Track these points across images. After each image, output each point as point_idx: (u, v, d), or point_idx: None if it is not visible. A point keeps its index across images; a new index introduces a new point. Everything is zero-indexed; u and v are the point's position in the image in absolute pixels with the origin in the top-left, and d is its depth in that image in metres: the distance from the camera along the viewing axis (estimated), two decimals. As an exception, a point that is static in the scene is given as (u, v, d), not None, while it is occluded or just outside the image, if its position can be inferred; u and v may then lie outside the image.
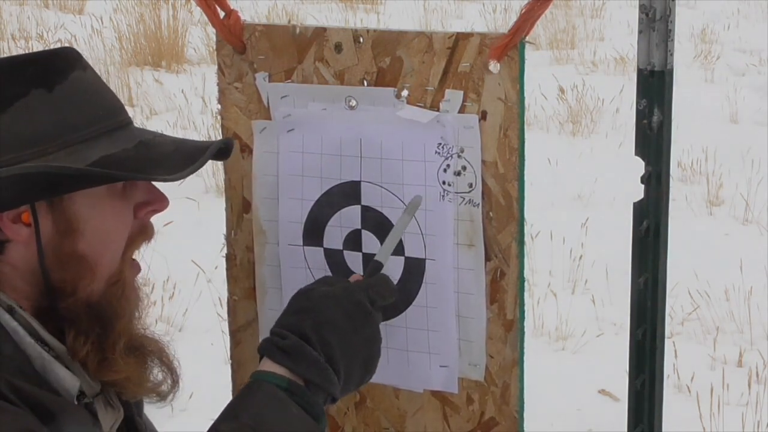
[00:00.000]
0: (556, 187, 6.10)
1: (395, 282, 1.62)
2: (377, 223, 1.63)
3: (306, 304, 1.49)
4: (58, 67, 1.42)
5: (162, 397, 1.52)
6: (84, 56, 1.50)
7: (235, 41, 1.66)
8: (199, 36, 8.87)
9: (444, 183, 1.58)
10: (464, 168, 1.56)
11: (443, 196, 1.58)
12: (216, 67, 1.70)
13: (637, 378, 1.65)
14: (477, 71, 1.53)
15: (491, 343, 1.61)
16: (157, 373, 1.51)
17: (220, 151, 1.50)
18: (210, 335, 4.26)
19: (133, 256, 1.49)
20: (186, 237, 5.09)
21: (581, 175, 6.32)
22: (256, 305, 1.74)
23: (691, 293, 4.69)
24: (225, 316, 1.79)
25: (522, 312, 1.60)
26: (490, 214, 1.57)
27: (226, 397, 1.84)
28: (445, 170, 1.57)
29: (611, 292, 4.75)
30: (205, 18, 1.70)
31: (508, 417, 1.63)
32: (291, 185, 1.67)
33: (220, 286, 4.12)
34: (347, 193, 1.64)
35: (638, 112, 1.57)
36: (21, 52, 8.25)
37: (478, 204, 1.57)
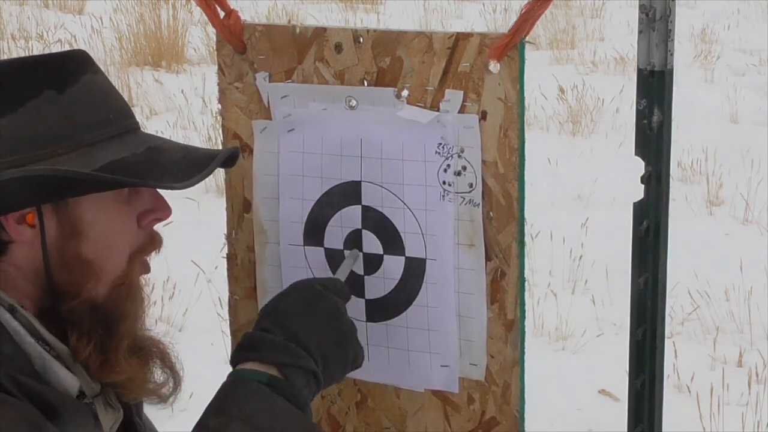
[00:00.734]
0: (556, 187, 6.10)
1: (396, 282, 1.62)
2: (378, 223, 1.63)
3: (263, 311, 1.53)
4: (70, 69, 1.42)
5: (163, 399, 1.52)
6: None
7: (235, 41, 1.66)
8: (199, 36, 8.88)
9: (444, 183, 1.58)
10: (464, 168, 1.56)
11: (443, 196, 1.58)
12: (216, 67, 1.70)
13: (637, 378, 1.65)
14: (477, 71, 1.53)
15: (492, 342, 1.62)
16: (159, 375, 1.51)
17: (227, 159, 1.50)
18: (210, 335, 4.26)
19: (143, 260, 1.50)
20: (186, 237, 5.08)
21: (581, 175, 6.32)
22: (256, 305, 1.74)
23: (691, 293, 4.69)
24: (225, 316, 1.79)
25: (522, 312, 1.60)
26: (491, 214, 1.57)
27: (226, 397, 1.84)
28: (445, 170, 1.58)
29: (611, 292, 4.75)
30: (205, 18, 1.70)
31: (509, 416, 1.63)
32: (291, 185, 1.67)
33: (220, 286, 4.12)
34: (348, 193, 1.64)
35: (638, 112, 1.57)
36: (21, 52, 8.27)
37: (479, 204, 1.57)
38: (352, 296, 1.64)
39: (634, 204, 1.60)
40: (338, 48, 1.61)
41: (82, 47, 8.32)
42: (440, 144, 1.57)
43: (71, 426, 1.35)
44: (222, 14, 1.65)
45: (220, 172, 1.75)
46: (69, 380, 1.39)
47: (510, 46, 1.50)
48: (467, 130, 1.55)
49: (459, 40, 1.54)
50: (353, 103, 1.61)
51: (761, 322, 4.64)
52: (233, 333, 1.78)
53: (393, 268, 1.62)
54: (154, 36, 8.71)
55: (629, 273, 1.63)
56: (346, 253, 1.64)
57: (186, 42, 8.83)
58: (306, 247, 1.68)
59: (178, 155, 1.45)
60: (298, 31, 1.63)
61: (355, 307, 1.64)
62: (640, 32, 1.53)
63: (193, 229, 5.27)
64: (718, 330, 4.59)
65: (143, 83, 7.95)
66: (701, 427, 3.80)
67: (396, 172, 1.60)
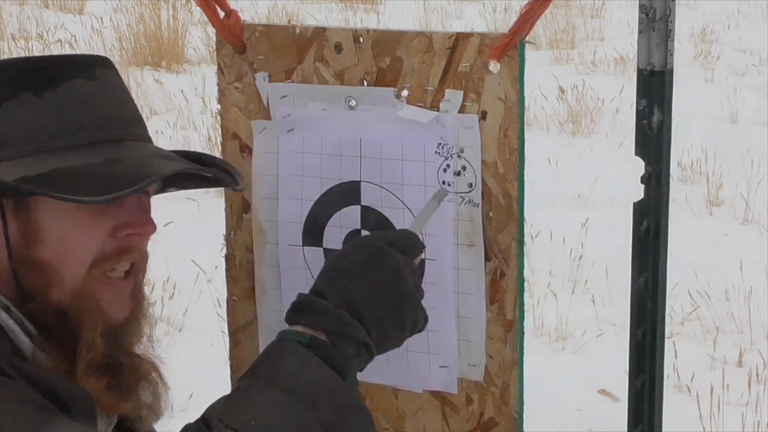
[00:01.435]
0: (556, 187, 6.10)
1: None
2: (377, 223, 1.63)
3: (326, 266, 1.47)
4: (54, 73, 1.42)
5: (144, 418, 1.52)
6: (113, 65, 1.49)
7: (235, 41, 1.66)
8: (199, 36, 8.87)
9: (444, 183, 1.58)
10: (464, 168, 1.56)
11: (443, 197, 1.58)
12: (216, 67, 1.70)
13: (637, 378, 1.65)
14: (477, 71, 1.53)
15: (491, 343, 1.61)
16: (135, 397, 1.49)
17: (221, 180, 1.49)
18: (210, 335, 4.26)
19: (108, 272, 1.45)
20: (186, 237, 5.09)
21: (581, 175, 6.32)
22: (255, 305, 1.74)
23: (691, 293, 4.69)
24: (225, 316, 1.79)
25: (522, 312, 1.60)
26: (490, 214, 1.57)
27: (225, 397, 1.84)
28: (445, 170, 1.57)
29: (611, 292, 4.75)
30: (205, 18, 1.70)
31: (508, 417, 1.63)
32: (291, 185, 1.67)
33: (220, 286, 4.11)
34: (347, 193, 1.64)
35: (638, 112, 1.57)
36: (21, 52, 8.27)
37: (478, 204, 1.57)
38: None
39: (634, 204, 1.60)
40: (338, 48, 1.61)
41: (82, 47, 8.36)
42: (440, 144, 1.57)
43: (76, 411, 1.35)
44: (222, 14, 1.65)
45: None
46: None
47: (510, 46, 1.50)
48: (467, 130, 1.55)
49: (459, 40, 1.54)
50: (353, 103, 1.61)
51: (761, 322, 4.64)
52: (232, 333, 1.78)
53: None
54: (154, 36, 8.71)
55: (629, 273, 1.63)
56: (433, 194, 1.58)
57: (186, 42, 8.83)
58: (305, 247, 1.68)
59: (122, 170, 1.41)
60: (298, 31, 1.63)
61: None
62: (640, 32, 1.53)
63: (193, 229, 5.27)
64: (718, 330, 4.59)
65: (143, 83, 7.95)
66: (701, 427, 3.80)
67: (395, 172, 1.60)
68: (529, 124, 6.98)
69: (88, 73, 1.45)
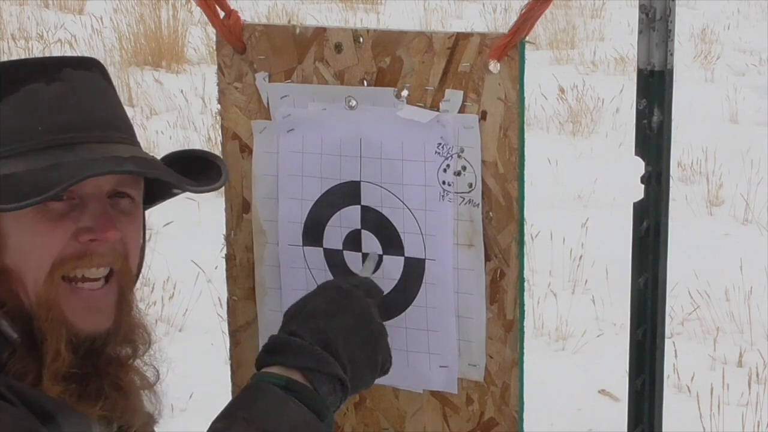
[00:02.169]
0: (556, 187, 6.10)
1: (395, 282, 1.62)
2: (377, 223, 1.63)
3: (289, 312, 1.52)
4: (15, 77, 1.41)
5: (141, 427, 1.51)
6: (93, 66, 1.47)
7: (235, 41, 1.66)
8: (199, 36, 8.87)
9: (444, 183, 1.58)
10: (464, 168, 1.56)
11: (443, 196, 1.58)
12: (216, 67, 1.70)
13: (637, 378, 1.65)
14: (477, 71, 1.53)
15: (491, 343, 1.61)
16: (134, 404, 1.48)
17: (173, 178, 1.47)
18: (210, 335, 4.26)
19: (68, 277, 1.43)
20: (186, 237, 5.09)
21: (581, 175, 6.32)
22: (255, 305, 1.74)
23: (691, 293, 4.69)
24: (225, 316, 1.79)
25: (522, 312, 1.60)
26: (490, 214, 1.57)
27: (226, 397, 1.83)
28: (445, 170, 1.57)
29: (611, 292, 4.75)
30: (205, 18, 1.70)
31: (508, 417, 1.63)
32: (291, 185, 1.67)
33: (220, 286, 4.11)
34: (347, 193, 1.64)
35: (638, 112, 1.57)
36: (21, 51, 8.27)
37: (478, 204, 1.57)
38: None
39: (634, 204, 1.60)
40: (338, 48, 1.61)
41: (82, 47, 8.36)
42: (440, 144, 1.57)
43: (68, 430, 1.34)
44: (222, 14, 1.65)
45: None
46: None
47: (510, 46, 1.50)
48: (467, 130, 1.55)
49: (459, 40, 1.54)
50: (353, 103, 1.61)
51: (761, 322, 4.64)
52: (232, 333, 1.78)
53: (392, 268, 1.62)
54: (154, 36, 8.71)
55: (629, 273, 1.63)
56: (365, 256, 1.63)
57: (186, 42, 8.83)
58: (305, 247, 1.68)
59: (63, 174, 1.38)
60: (298, 31, 1.63)
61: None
62: (640, 32, 1.53)
63: (193, 229, 5.27)
64: (718, 330, 4.59)
65: (143, 83, 7.95)
66: (701, 427, 3.80)
67: (395, 172, 1.60)
68: (529, 124, 6.98)
69: (51, 76, 1.42)
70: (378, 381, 1.66)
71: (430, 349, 1.64)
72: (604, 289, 4.82)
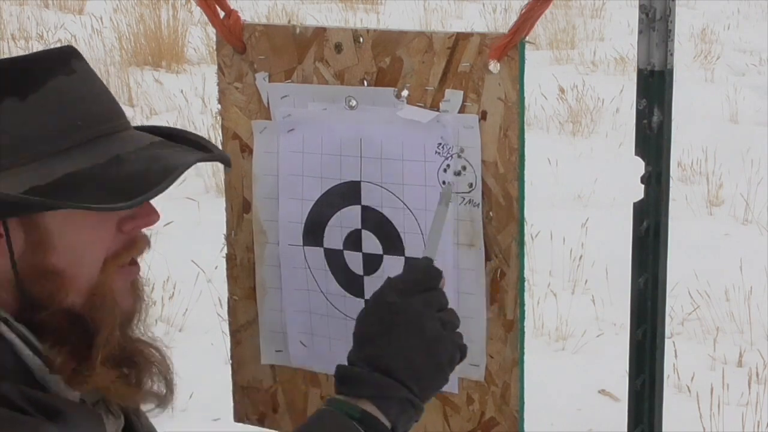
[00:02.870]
0: (556, 187, 6.10)
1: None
2: (377, 223, 1.63)
3: (354, 333, 1.49)
4: (35, 74, 1.37)
5: (158, 405, 1.51)
6: (82, 56, 1.46)
7: (235, 41, 1.66)
8: (199, 36, 8.88)
9: (444, 183, 1.58)
10: (464, 168, 1.56)
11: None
12: (216, 67, 1.70)
13: (637, 378, 1.65)
14: (477, 71, 1.53)
15: (491, 343, 1.61)
16: (148, 383, 1.48)
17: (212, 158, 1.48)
18: (210, 335, 4.26)
19: (120, 266, 1.44)
20: (186, 237, 5.09)
21: (581, 175, 6.32)
22: (256, 305, 1.74)
23: (691, 293, 4.69)
24: (225, 316, 1.79)
25: (522, 312, 1.60)
26: (490, 214, 1.57)
27: (226, 397, 1.84)
28: (445, 170, 1.57)
29: (611, 292, 4.75)
30: (205, 18, 1.70)
31: (509, 417, 1.63)
32: (291, 185, 1.67)
33: (220, 286, 4.12)
34: (347, 193, 1.64)
35: (638, 112, 1.56)
36: (21, 52, 8.27)
37: (478, 204, 1.57)
38: (353, 297, 1.64)
39: (634, 204, 1.60)
40: (338, 48, 1.61)
41: (82, 47, 8.36)
42: (440, 144, 1.57)
43: (80, 428, 1.34)
44: (222, 14, 1.65)
45: (220, 172, 1.75)
46: (69, 390, 1.38)
47: (510, 46, 1.50)
48: (467, 130, 1.55)
49: (459, 40, 1.54)
50: (353, 103, 1.61)
51: (761, 322, 4.64)
52: (232, 333, 1.78)
53: (393, 268, 1.62)
54: (154, 36, 8.71)
55: (629, 273, 1.63)
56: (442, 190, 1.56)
57: (186, 42, 8.83)
58: (305, 247, 1.68)
59: (138, 167, 1.39)
60: (298, 31, 1.63)
61: (356, 308, 1.64)
62: (640, 32, 1.53)
63: (193, 229, 5.28)
64: (718, 330, 4.59)
65: (143, 83, 7.95)
66: (701, 427, 3.80)
67: (396, 172, 1.60)
68: (529, 124, 6.98)
69: (66, 68, 1.40)
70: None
71: (430, 349, 1.64)
72: (604, 289, 4.82)
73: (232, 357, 1.79)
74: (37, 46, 8.53)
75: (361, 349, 1.46)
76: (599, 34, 9.88)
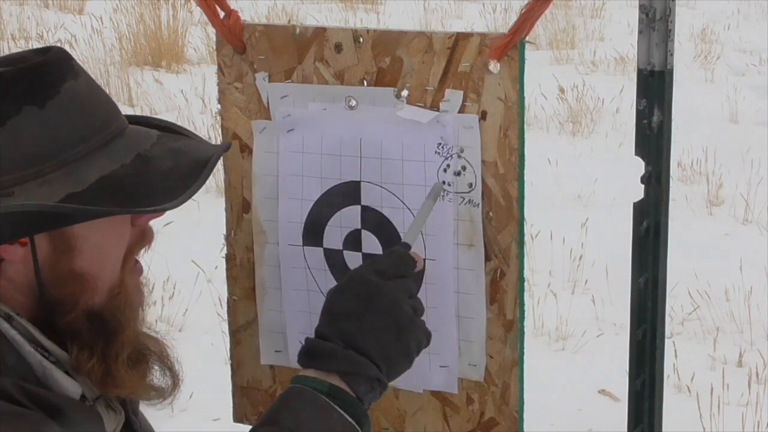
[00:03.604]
0: (556, 187, 6.10)
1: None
2: (377, 223, 1.63)
3: (324, 307, 1.50)
4: (49, 80, 1.36)
5: (164, 398, 1.52)
6: (76, 57, 1.44)
7: (235, 41, 1.66)
8: (199, 36, 8.87)
9: (444, 183, 1.58)
10: (464, 168, 1.56)
11: (443, 196, 1.58)
12: (216, 67, 1.70)
13: (637, 378, 1.65)
14: (477, 71, 1.53)
15: (491, 343, 1.61)
16: (158, 377, 1.49)
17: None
18: (210, 335, 4.26)
19: (135, 261, 1.47)
20: (186, 237, 5.09)
21: (581, 175, 6.32)
22: (256, 305, 1.74)
23: (691, 293, 4.69)
24: (225, 316, 1.79)
25: (522, 312, 1.60)
26: (490, 214, 1.57)
27: (226, 397, 1.84)
28: (445, 170, 1.57)
29: (611, 292, 4.75)
30: (205, 18, 1.70)
31: (508, 417, 1.63)
32: (291, 185, 1.67)
33: (220, 286, 4.12)
34: (347, 193, 1.64)
35: (638, 112, 1.57)
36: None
37: (478, 204, 1.57)
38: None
39: (634, 204, 1.60)
40: (338, 48, 1.61)
41: (82, 47, 8.35)
42: (440, 144, 1.57)
43: (80, 429, 1.34)
44: (222, 14, 1.65)
45: (220, 172, 1.75)
46: (70, 386, 1.38)
47: (510, 46, 1.50)
48: (467, 130, 1.55)
49: (459, 40, 1.54)
50: (353, 103, 1.61)
51: (761, 322, 4.64)
52: (232, 333, 1.78)
53: (393, 268, 1.62)
54: (154, 36, 8.70)
55: (629, 273, 1.63)
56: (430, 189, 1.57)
57: (186, 42, 8.83)
58: (305, 247, 1.68)
59: (168, 164, 1.41)
60: (298, 31, 1.63)
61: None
62: (640, 32, 1.53)
63: (193, 229, 5.27)
64: (718, 330, 4.59)
65: (143, 83, 7.95)
66: (701, 427, 3.80)
67: (395, 172, 1.60)
68: (529, 124, 6.98)
69: (72, 71, 1.40)
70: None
71: (430, 349, 1.63)
72: (604, 289, 4.82)
73: (231, 357, 1.79)
74: (36, 47, 8.52)
75: (333, 323, 1.46)
76: (599, 34, 9.88)
